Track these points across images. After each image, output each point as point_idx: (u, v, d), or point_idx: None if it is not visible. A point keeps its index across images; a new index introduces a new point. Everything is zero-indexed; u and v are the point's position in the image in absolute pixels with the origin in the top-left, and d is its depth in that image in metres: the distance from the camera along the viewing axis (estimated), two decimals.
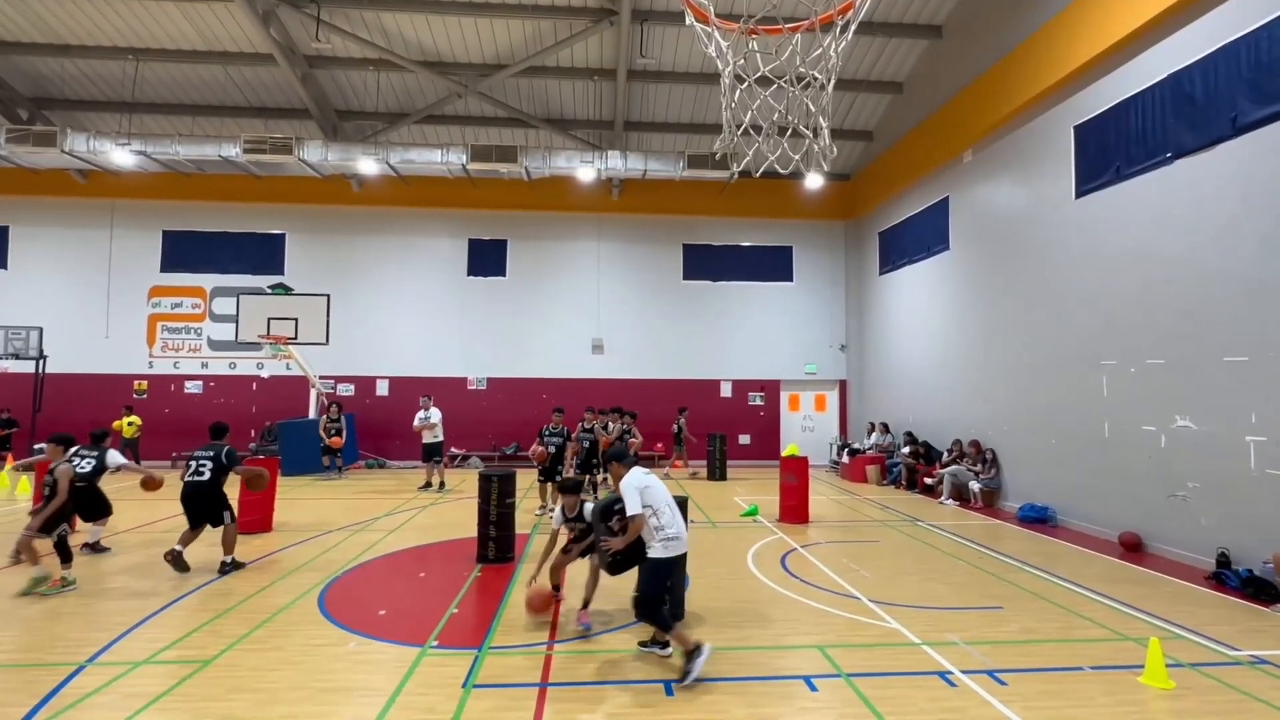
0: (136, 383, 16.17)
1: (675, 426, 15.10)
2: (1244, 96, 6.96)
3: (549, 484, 10.04)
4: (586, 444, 11.01)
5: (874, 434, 15.39)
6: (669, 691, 4.23)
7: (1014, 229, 10.89)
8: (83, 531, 7.78)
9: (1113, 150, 8.76)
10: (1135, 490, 8.29)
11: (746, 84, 4.61)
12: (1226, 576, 6.66)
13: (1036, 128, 10.31)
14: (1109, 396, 8.77)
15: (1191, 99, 7.59)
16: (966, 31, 12.32)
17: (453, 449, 15.55)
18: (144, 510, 9.93)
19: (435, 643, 5.00)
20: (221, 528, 6.96)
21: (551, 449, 10.08)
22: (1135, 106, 8.40)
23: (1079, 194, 9.39)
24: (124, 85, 14.44)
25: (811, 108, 5.12)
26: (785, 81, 4.64)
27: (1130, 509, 8.34)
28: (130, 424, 14.73)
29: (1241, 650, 4.98)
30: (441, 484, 12.93)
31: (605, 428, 11.51)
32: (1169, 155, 7.89)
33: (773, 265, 17.57)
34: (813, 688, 4.31)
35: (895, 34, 13.11)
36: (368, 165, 14.20)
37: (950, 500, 11.46)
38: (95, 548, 7.60)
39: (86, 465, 7.18)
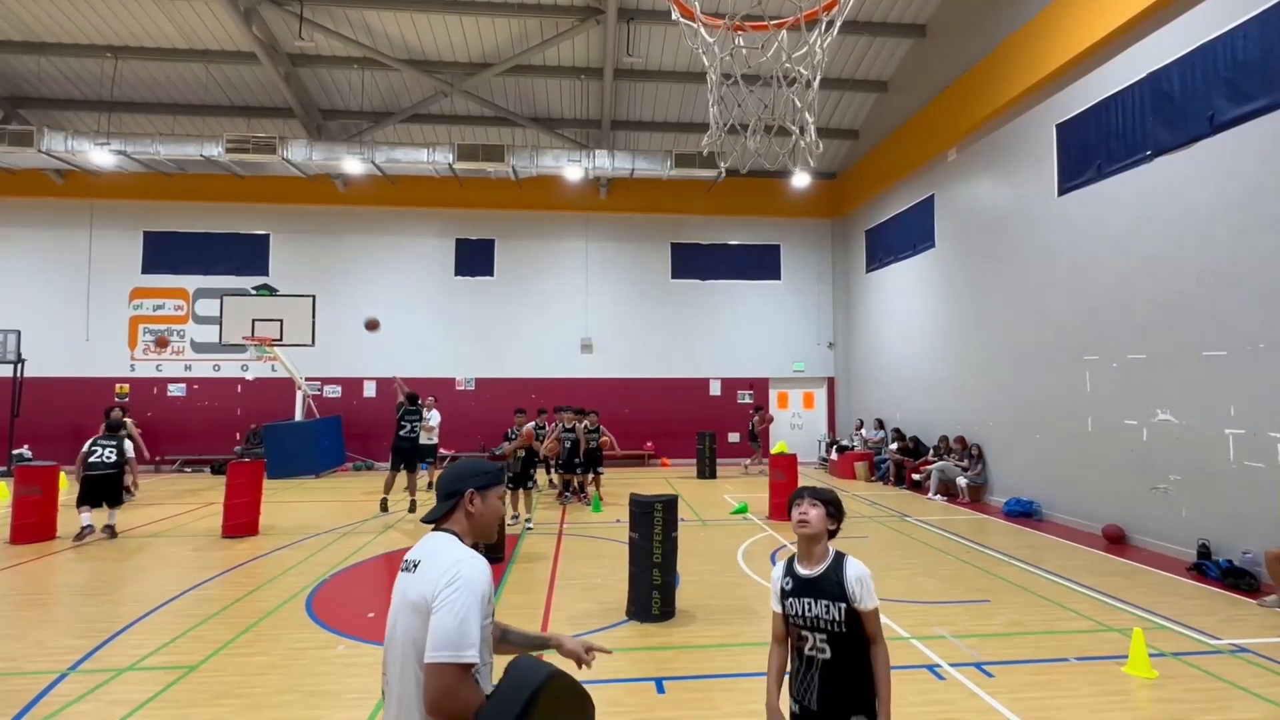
0: (118, 386, 15.92)
1: (750, 425, 15.52)
2: (1220, 95, 7.09)
3: (520, 491, 9.50)
4: (568, 444, 10.93)
5: (862, 429, 15.50)
6: (660, 689, 4.24)
7: (998, 226, 11.01)
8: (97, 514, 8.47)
9: (1093, 148, 8.88)
10: (1118, 483, 8.41)
11: (733, 80, 4.63)
12: (1207, 567, 6.78)
13: (1019, 126, 10.43)
14: (1091, 391, 8.90)
15: (1170, 98, 7.71)
16: (950, 31, 12.43)
17: (441, 450, 15.45)
18: (131, 514, 9.77)
19: None
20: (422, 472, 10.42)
21: (522, 453, 9.57)
22: (1115, 105, 8.52)
23: (1061, 191, 9.51)
24: (103, 84, 14.21)
25: (798, 104, 5.15)
26: (771, 79, 4.66)
27: (1113, 502, 8.47)
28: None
29: (1222, 639, 5.07)
30: (430, 484, 12.93)
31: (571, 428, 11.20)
32: (1148, 153, 8.01)
33: (760, 263, 17.63)
34: None
35: (879, 33, 13.20)
36: (353, 165, 14.08)
37: (938, 495, 11.57)
38: (112, 531, 8.35)
39: (110, 455, 8.35)
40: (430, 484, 13.01)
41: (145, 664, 4.60)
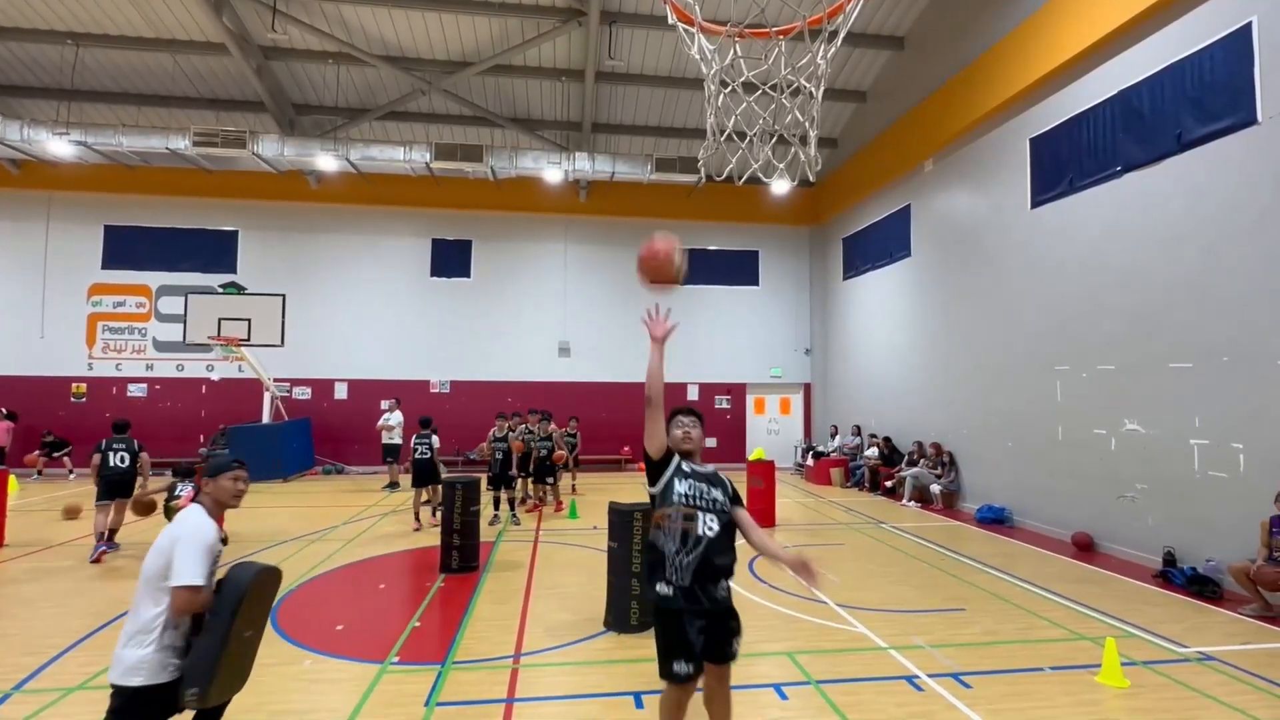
0: (75, 385, 15.31)
1: None
2: (1188, 114, 7.28)
3: (499, 492, 9.66)
4: (499, 455, 9.62)
5: (838, 436, 15.62)
6: (639, 704, 4.15)
7: (973, 237, 11.18)
8: None
9: (1066, 163, 9.06)
10: (1087, 491, 8.57)
11: (730, 89, 4.57)
12: (1173, 574, 6.93)
13: (994, 139, 10.61)
14: (1062, 400, 9.06)
15: (1140, 115, 7.90)
16: (927, 44, 12.62)
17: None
18: (85, 521, 9.38)
19: (396, 659, 4.82)
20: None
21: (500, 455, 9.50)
22: (1087, 121, 8.71)
23: (1034, 204, 9.69)
24: (63, 71, 13.66)
25: (799, 116, 5.12)
26: (772, 88, 4.62)
27: (1082, 509, 8.63)
28: None
29: (1189, 647, 5.17)
30: (395, 484, 13.14)
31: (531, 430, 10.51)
32: (1119, 168, 8.20)
33: (739, 269, 17.68)
34: (783, 696, 4.29)
35: (859, 44, 13.34)
36: (326, 161, 13.77)
37: (912, 502, 11.68)
38: None
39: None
40: (393, 482, 13.08)
41: (96, 683, 4.36)
